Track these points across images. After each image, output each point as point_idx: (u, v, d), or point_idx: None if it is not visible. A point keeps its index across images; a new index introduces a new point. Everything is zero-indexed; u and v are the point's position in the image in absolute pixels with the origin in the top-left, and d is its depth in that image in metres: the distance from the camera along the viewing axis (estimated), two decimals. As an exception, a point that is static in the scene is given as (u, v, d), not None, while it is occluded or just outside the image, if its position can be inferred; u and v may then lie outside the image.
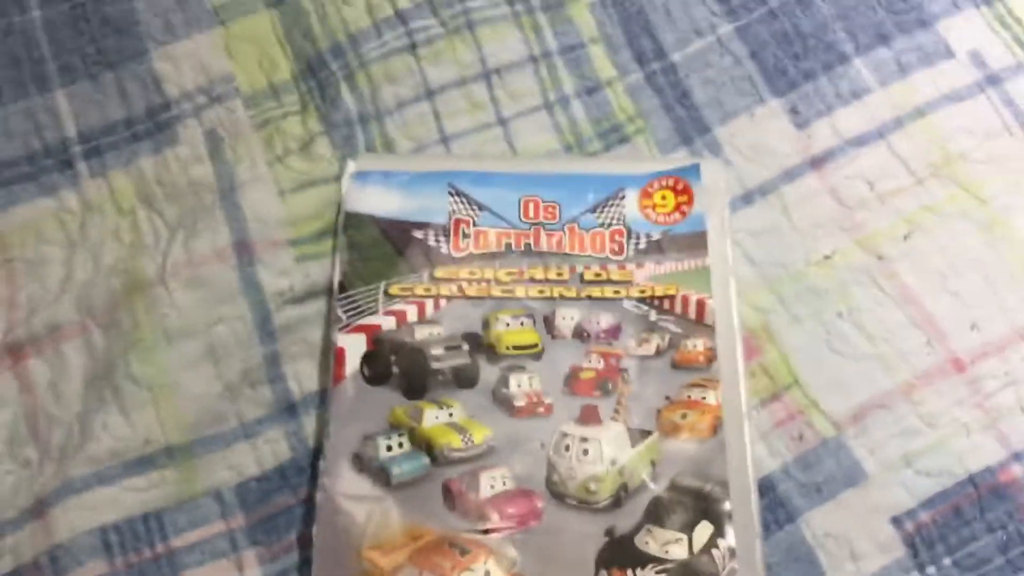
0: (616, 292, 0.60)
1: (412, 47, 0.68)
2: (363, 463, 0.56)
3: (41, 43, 0.69)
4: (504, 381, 0.58)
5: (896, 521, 0.56)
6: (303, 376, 0.60)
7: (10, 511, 0.56)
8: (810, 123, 0.66)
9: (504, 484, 0.55)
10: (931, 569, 0.55)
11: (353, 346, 0.58)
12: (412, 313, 0.60)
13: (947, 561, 0.55)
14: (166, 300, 0.60)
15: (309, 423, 0.59)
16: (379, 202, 0.62)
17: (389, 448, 0.56)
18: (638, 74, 0.68)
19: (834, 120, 0.66)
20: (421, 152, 0.65)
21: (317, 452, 0.57)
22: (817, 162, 0.65)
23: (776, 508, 0.56)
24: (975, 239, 0.62)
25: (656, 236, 0.61)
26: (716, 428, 0.56)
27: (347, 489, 0.55)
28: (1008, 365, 0.59)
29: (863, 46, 0.67)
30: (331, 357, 0.58)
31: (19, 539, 0.55)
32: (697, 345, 0.58)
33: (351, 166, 0.63)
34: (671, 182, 0.62)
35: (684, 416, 0.56)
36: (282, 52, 0.68)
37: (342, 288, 0.60)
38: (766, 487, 0.57)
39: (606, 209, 0.62)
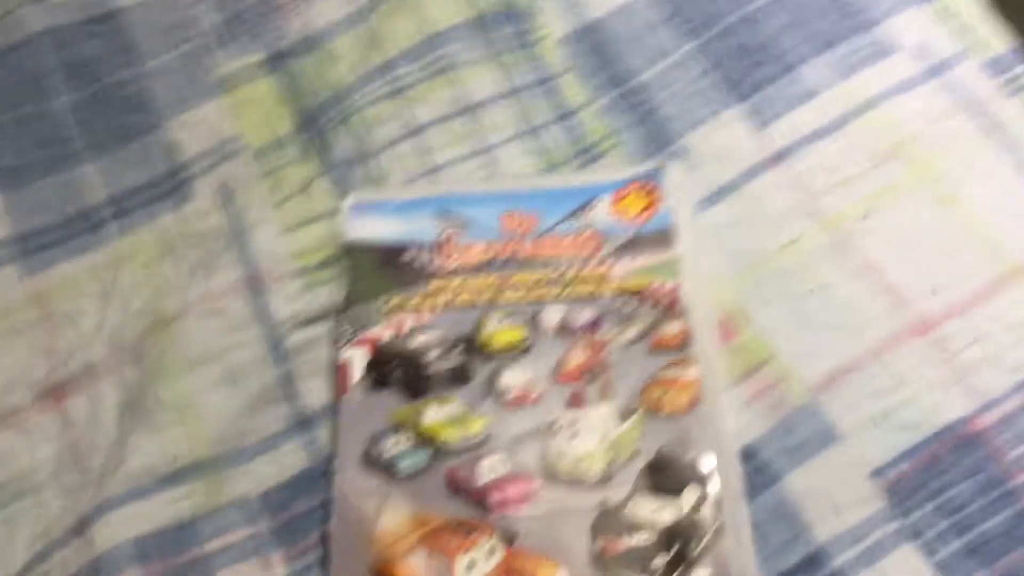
0: (595, 289, 0.65)
1: (398, 91, 0.74)
2: (371, 460, 0.60)
3: (69, 124, 0.77)
4: (497, 376, 0.62)
5: (875, 474, 0.59)
6: (315, 391, 0.65)
7: (57, 532, 0.61)
8: (769, 124, 0.70)
9: (502, 469, 0.59)
10: (914, 516, 0.58)
11: (357, 357, 0.64)
12: (409, 323, 0.65)
13: (928, 507, 0.58)
14: (186, 332, 0.67)
15: (323, 434, 0.64)
16: (374, 229, 0.68)
17: (395, 445, 0.60)
18: (608, 97, 0.73)
19: (792, 119, 0.70)
20: (411, 183, 0.71)
21: (331, 458, 0.62)
22: (778, 158, 0.69)
23: (760, 472, 0.60)
24: (931, 212, 0.66)
25: (629, 235, 0.66)
26: (696, 402, 0.60)
27: (358, 485, 0.60)
28: (972, 324, 0.62)
29: (814, 50, 0.72)
30: (337, 370, 0.64)
31: (65, 556, 0.61)
32: (672, 329, 0.63)
33: (348, 200, 0.69)
34: (639, 186, 0.67)
35: (665, 392, 0.61)
36: (282, 110, 0.75)
37: (345, 307, 0.65)
38: (749, 453, 0.60)
39: (581, 216, 0.67)
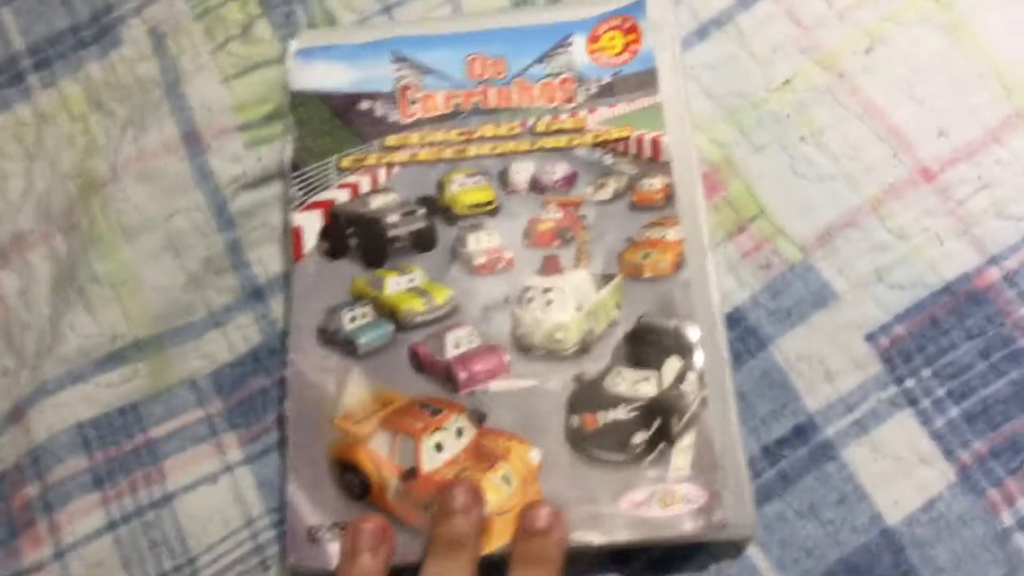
0: (569, 141, 0.59)
1: (345, -83, 0.66)
2: (329, 336, 0.56)
3: (-21, -39, 0.68)
4: (462, 240, 0.57)
5: (870, 337, 0.55)
6: (267, 260, 0.60)
7: (-8, 419, 0.57)
8: (761, -53, 0.63)
9: (470, 342, 0.55)
10: (910, 382, 0.54)
11: (309, 223, 0.58)
12: (365, 184, 0.59)
13: (926, 372, 0.54)
14: (120, 197, 0.60)
15: (277, 306, 0.59)
16: (324, 78, 0.61)
17: (353, 319, 0.56)
18: (581, -81, 0.65)
19: (786, -59, 0.63)
20: (363, 23, 0.64)
21: (286, 333, 0.57)
22: (771, -14, 0.62)
23: (747, 337, 0.56)
24: (939, 44, 0.60)
25: (606, 79, 0.60)
26: (678, 264, 0.55)
27: (315, 363, 0.55)
28: (980, 169, 0.57)
29: None
30: (288, 237, 0.58)
31: (1, 445, 0.57)
32: (654, 184, 0.57)
33: (293, 45, 0.62)
34: (618, 22, 0.60)
35: (646, 256, 0.56)
36: (217, -61, 0.67)
37: (294, 167, 0.59)
38: (736, 318, 0.56)
39: (553, 58, 0.60)
